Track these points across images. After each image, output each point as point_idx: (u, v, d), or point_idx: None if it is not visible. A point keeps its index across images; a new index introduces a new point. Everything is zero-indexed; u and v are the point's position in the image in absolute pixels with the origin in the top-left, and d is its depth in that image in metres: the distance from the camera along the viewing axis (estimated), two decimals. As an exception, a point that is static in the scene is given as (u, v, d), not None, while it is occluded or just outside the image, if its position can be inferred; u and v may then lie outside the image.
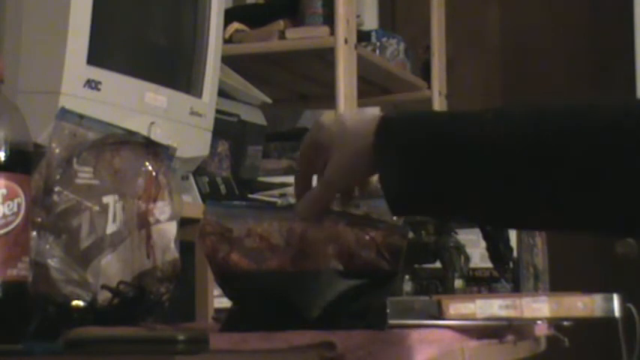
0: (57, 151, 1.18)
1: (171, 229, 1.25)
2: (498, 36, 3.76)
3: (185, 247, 1.31)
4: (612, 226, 0.98)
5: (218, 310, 1.76)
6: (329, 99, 2.43)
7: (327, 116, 1.19)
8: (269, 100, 2.32)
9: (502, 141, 0.98)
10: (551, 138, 0.96)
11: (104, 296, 1.16)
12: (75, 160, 1.19)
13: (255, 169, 2.28)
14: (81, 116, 1.22)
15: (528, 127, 0.97)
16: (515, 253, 1.82)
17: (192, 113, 1.74)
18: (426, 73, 3.13)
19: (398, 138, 1.04)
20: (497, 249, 1.77)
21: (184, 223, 1.29)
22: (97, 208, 1.19)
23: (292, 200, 1.20)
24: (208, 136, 1.80)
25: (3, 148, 0.98)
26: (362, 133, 1.07)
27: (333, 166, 1.09)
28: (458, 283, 1.81)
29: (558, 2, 3.68)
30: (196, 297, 1.78)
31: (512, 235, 1.82)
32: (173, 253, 1.24)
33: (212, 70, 1.81)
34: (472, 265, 1.85)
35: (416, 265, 1.80)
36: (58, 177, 1.17)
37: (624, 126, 0.92)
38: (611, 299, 1.40)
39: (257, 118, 2.29)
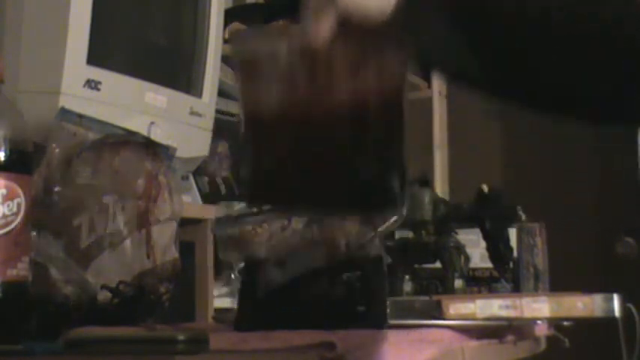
0: (57, 151, 1.19)
1: (171, 229, 1.25)
2: (498, 36, 3.75)
3: (185, 247, 1.31)
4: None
5: (218, 310, 1.76)
6: (329, 99, 2.43)
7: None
8: (269, 100, 2.31)
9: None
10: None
11: (104, 296, 1.16)
12: (75, 160, 1.19)
13: (255, 169, 2.28)
14: (81, 116, 1.22)
15: None
16: (515, 253, 1.82)
17: (192, 113, 1.74)
18: (426, 73, 3.12)
19: None
20: (497, 249, 1.78)
21: (184, 223, 1.29)
22: (97, 208, 1.19)
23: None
24: (208, 136, 1.80)
25: (3, 148, 0.98)
26: None
27: None
28: (458, 283, 1.81)
29: (558, 2, 3.68)
30: (196, 297, 1.77)
31: (513, 235, 1.82)
32: (173, 253, 1.24)
33: (212, 70, 1.81)
34: (472, 265, 1.86)
35: (416, 265, 1.80)
36: (58, 177, 1.17)
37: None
38: (611, 299, 1.40)
39: (257, 118, 2.28)
